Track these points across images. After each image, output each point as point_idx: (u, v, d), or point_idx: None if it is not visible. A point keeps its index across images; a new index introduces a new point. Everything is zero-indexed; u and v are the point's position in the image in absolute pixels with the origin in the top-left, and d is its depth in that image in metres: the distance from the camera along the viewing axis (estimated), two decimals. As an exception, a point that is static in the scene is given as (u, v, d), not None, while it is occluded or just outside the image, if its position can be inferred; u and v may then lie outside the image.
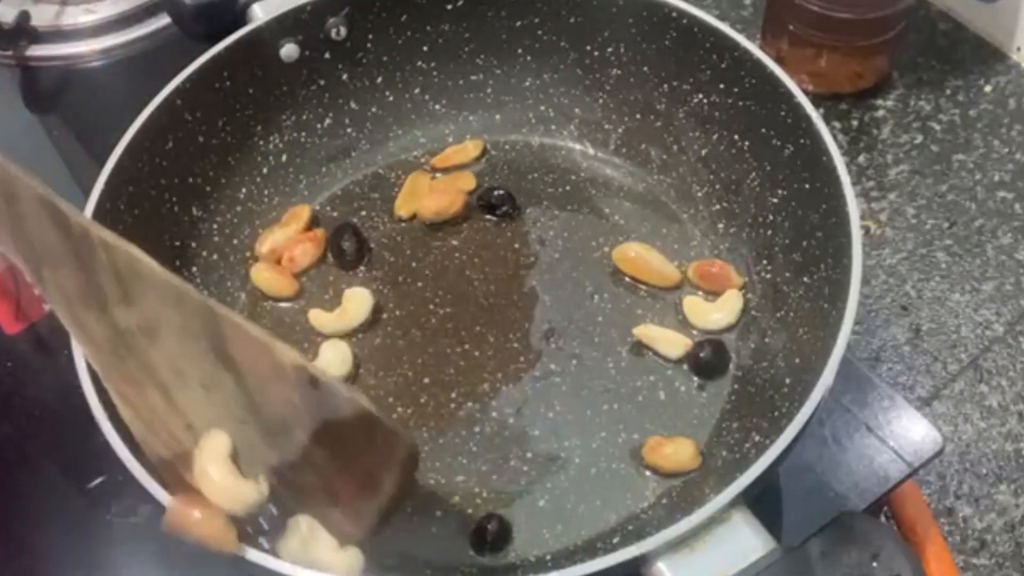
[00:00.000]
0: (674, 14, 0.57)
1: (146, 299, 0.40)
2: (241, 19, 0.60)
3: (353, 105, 0.63)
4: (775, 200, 0.55)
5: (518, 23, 0.62)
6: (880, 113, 0.76)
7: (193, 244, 0.58)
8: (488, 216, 0.61)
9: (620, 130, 0.63)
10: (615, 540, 0.48)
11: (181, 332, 0.40)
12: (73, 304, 0.41)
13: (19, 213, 0.40)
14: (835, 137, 0.63)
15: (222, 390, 0.41)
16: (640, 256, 0.57)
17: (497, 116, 0.65)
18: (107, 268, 0.40)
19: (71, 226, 0.39)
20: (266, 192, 0.61)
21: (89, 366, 0.44)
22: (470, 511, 0.50)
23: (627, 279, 0.58)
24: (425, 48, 0.63)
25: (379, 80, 0.63)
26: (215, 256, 0.59)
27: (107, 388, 0.43)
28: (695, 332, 0.56)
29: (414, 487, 0.45)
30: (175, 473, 0.42)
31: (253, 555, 0.40)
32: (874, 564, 0.39)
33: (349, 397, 0.39)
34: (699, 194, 0.60)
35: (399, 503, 0.42)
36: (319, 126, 0.63)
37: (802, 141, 0.52)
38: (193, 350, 0.40)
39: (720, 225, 0.59)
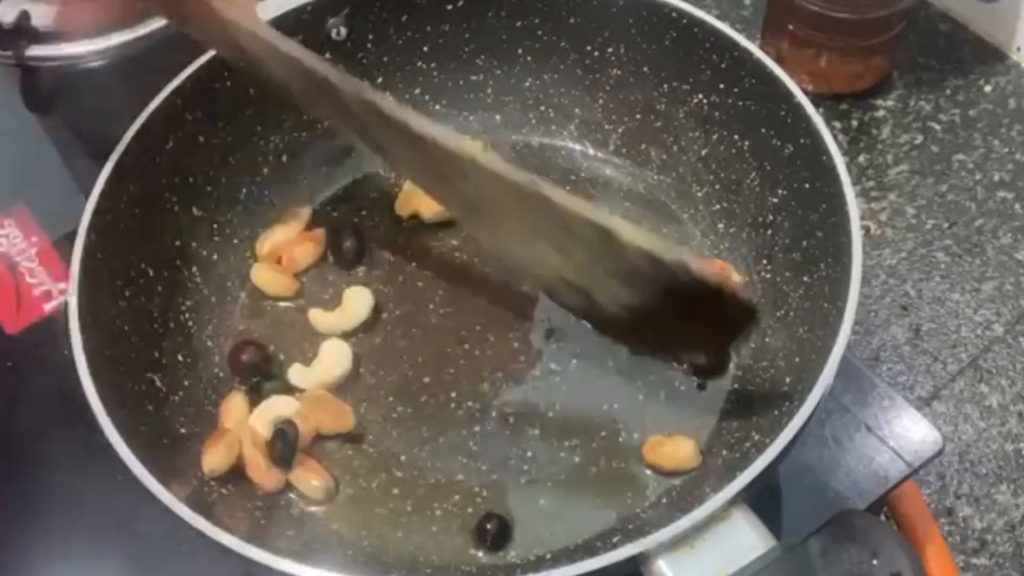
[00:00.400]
0: (674, 14, 0.57)
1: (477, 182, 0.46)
2: (241, 19, 0.60)
3: (353, 105, 0.63)
4: (775, 200, 0.55)
5: (518, 23, 0.62)
6: (880, 113, 0.76)
7: (193, 244, 0.58)
8: (488, 216, 0.61)
9: (620, 130, 0.63)
10: (615, 539, 0.48)
11: (520, 216, 0.46)
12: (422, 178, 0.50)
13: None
14: (835, 137, 0.63)
15: (573, 254, 0.46)
16: None
17: (497, 116, 0.65)
18: (438, 151, 0.46)
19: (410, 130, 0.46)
20: (266, 192, 0.61)
21: (89, 366, 0.44)
22: (470, 511, 0.50)
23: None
24: (425, 48, 0.63)
25: (379, 80, 0.63)
26: (215, 256, 0.59)
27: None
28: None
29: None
30: None
31: (254, 554, 0.40)
32: (874, 562, 0.39)
33: (698, 267, 0.44)
34: (699, 194, 0.60)
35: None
36: (319, 126, 0.63)
37: (802, 141, 0.53)
38: (535, 230, 0.46)
39: (720, 225, 0.59)
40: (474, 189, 0.47)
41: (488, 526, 0.49)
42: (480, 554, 0.49)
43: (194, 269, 0.57)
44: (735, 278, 0.51)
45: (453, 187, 0.48)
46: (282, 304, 0.58)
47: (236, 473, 0.50)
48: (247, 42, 0.49)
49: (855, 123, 0.75)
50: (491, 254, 0.48)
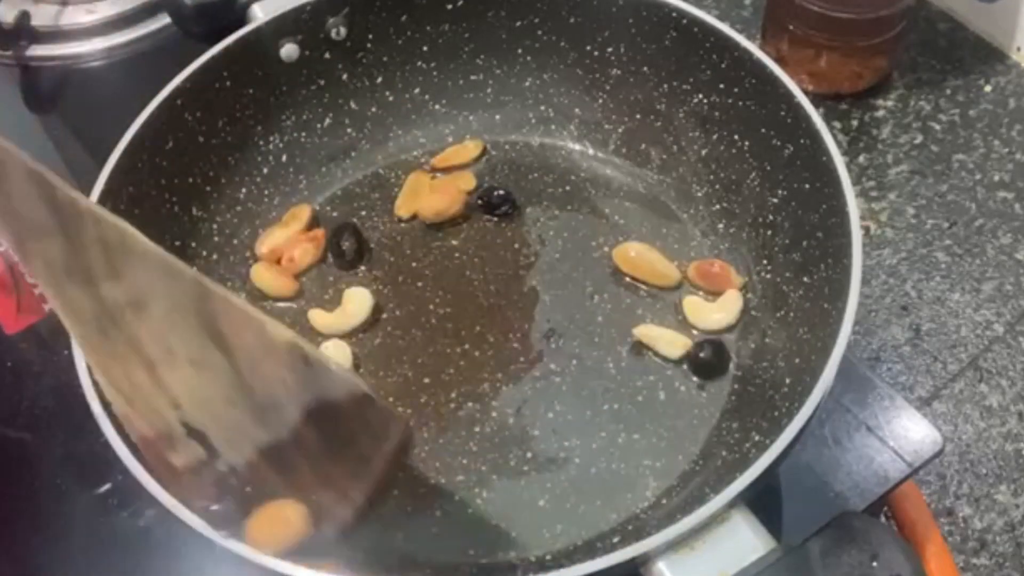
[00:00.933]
0: (674, 14, 0.57)
1: (135, 273, 0.40)
2: (241, 19, 0.60)
3: (353, 105, 0.63)
4: (775, 200, 0.55)
5: (518, 23, 0.62)
6: (880, 113, 0.76)
7: (193, 244, 0.58)
8: (488, 216, 0.61)
9: (620, 130, 0.63)
10: (615, 540, 0.48)
11: (170, 308, 0.40)
12: (58, 277, 0.40)
13: (6, 189, 0.39)
14: (835, 137, 0.63)
15: (212, 368, 0.40)
16: (640, 256, 0.57)
17: (497, 116, 0.65)
18: (96, 241, 0.39)
19: (59, 199, 0.39)
20: (266, 192, 0.61)
21: (90, 366, 0.44)
22: (470, 511, 0.50)
23: (627, 279, 0.58)
24: (425, 48, 0.63)
25: (379, 80, 0.63)
26: (215, 256, 0.59)
27: (90, 364, 0.42)
28: (695, 332, 0.55)
29: (404, 470, 0.45)
30: (157, 452, 0.41)
31: (253, 555, 0.40)
32: (874, 564, 0.39)
33: (343, 376, 0.39)
34: (699, 194, 0.60)
35: (389, 488, 0.42)
36: (319, 126, 0.63)
37: (802, 141, 0.52)
38: (183, 326, 0.40)
39: (720, 225, 0.59)
40: (126, 282, 0.40)
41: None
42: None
43: (194, 269, 0.57)
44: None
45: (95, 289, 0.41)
46: (282, 304, 0.58)
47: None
48: None
49: (855, 123, 0.75)
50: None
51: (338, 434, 0.40)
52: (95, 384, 0.44)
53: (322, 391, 0.39)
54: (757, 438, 0.49)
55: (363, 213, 0.62)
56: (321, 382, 0.39)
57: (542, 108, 0.65)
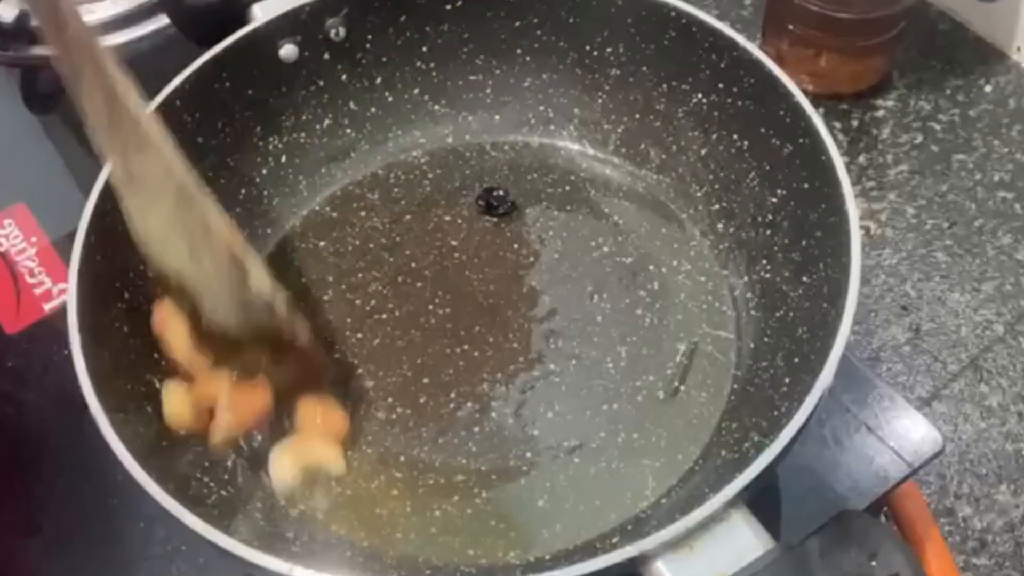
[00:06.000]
0: (673, 14, 0.57)
1: (151, 163, 0.47)
2: (241, 19, 0.60)
3: (352, 105, 0.63)
4: (774, 200, 0.55)
5: (517, 23, 0.62)
6: (880, 113, 0.76)
7: (193, 244, 0.58)
8: (488, 216, 0.61)
9: (620, 130, 0.63)
10: (615, 540, 0.48)
11: (175, 204, 0.47)
12: (101, 134, 0.48)
13: (67, 40, 0.46)
14: (835, 137, 0.63)
15: (203, 262, 0.48)
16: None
17: (496, 116, 0.65)
18: (130, 119, 0.47)
19: (108, 76, 0.46)
20: (266, 192, 0.61)
21: (88, 367, 0.44)
22: (470, 511, 0.50)
23: (627, 278, 0.58)
24: (424, 48, 0.63)
25: (378, 80, 0.63)
26: (215, 256, 0.58)
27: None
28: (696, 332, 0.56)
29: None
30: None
31: (253, 555, 0.40)
32: (873, 563, 0.39)
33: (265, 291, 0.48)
34: (698, 194, 0.60)
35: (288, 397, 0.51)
36: (319, 126, 0.63)
37: (801, 141, 0.52)
38: (182, 224, 0.48)
39: (719, 225, 0.59)
40: (145, 162, 0.48)
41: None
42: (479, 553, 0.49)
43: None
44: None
45: (127, 152, 0.49)
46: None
47: (235, 473, 0.50)
48: None
49: (855, 123, 0.75)
50: (129, 217, 0.48)
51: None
52: (95, 385, 0.44)
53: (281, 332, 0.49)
54: (756, 438, 0.48)
55: (362, 213, 0.62)
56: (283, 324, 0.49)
57: (541, 108, 0.65)
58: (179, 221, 0.48)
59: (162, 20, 0.77)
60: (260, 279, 0.49)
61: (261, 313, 0.49)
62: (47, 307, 0.63)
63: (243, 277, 0.48)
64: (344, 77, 0.62)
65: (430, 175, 0.64)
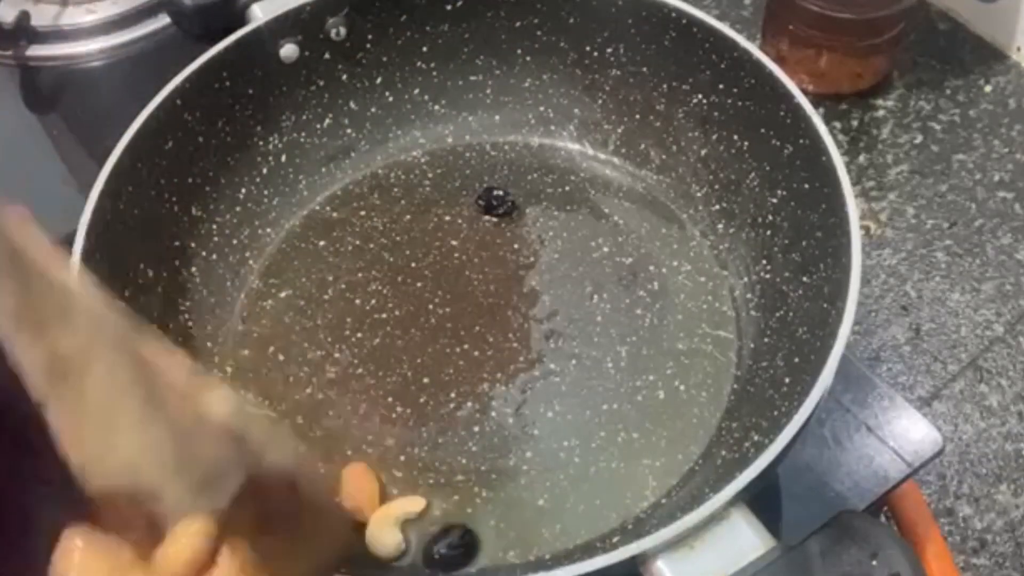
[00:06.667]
0: (674, 14, 0.57)
1: (79, 324, 0.36)
2: (241, 19, 0.60)
3: (353, 105, 0.63)
4: (774, 200, 0.55)
5: (518, 23, 0.62)
6: (880, 113, 0.76)
7: (193, 244, 0.58)
8: (488, 216, 0.61)
9: (619, 130, 0.63)
10: (615, 539, 0.48)
11: (111, 367, 0.36)
12: (11, 321, 0.37)
13: None
14: (835, 137, 0.63)
15: (153, 433, 0.36)
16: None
17: (496, 117, 0.65)
18: (45, 291, 0.36)
19: (10, 244, 0.36)
20: (266, 192, 0.61)
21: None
22: (470, 511, 0.50)
23: (627, 278, 0.58)
24: (425, 48, 0.63)
25: (378, 80, 0.63)
26: (215, 256, 0.59)
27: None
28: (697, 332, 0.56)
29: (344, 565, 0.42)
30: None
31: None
32: (873, 563, 0.39)
33: (284, 463, 0.36)
34: (699, 194, 0.60)
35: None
36: (319, 126, 0.63)
37: (801, 141, 0.52)
38: (123, 387, 0.36)
39: (720, 225, 0.59)
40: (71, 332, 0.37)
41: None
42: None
43: (193, 270, 0.57)
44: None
45: (47, 331, 0.38)
46: (283, 296, 0.58)
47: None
48: None
49: (855, 123, 0.75)
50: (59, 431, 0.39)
51: (278, 514, 0.37)
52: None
53: (260, 470, 0.35)
54: (756, 438, 0.48)
55: (362, 213, 0.62)
56: (260, 461, 0.35)
57: (541, 108, 0.65)
58: (120, 383, 0.36)
59: (163, 20, 0.77)
60: (220, 402, 0.35)
61: (232, 467, 0.35)
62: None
63: (206, 428, 0.35)
64: (344, 77, 0.62)
65: (430, 175, 0.64)
